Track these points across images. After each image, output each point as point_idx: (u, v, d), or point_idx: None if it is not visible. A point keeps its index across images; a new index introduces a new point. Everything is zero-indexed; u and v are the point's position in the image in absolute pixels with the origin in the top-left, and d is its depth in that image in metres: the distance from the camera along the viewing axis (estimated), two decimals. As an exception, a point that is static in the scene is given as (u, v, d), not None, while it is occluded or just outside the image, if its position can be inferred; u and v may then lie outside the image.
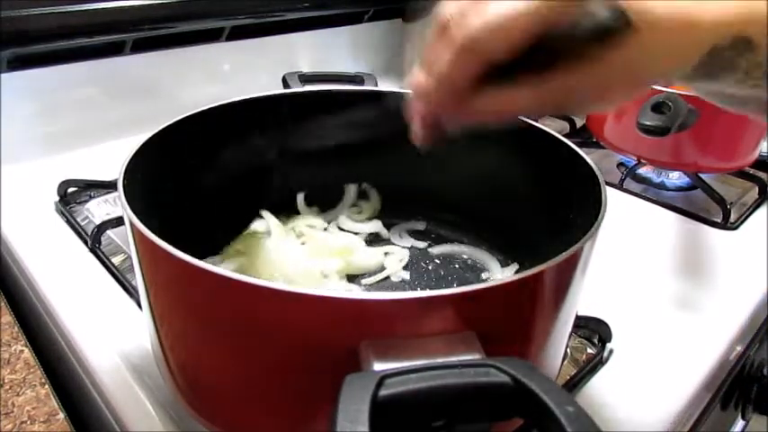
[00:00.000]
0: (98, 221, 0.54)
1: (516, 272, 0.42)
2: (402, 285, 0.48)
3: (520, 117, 0.30)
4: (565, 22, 0.25)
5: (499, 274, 0.48)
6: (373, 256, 0.50)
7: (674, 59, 0.27)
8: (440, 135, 0.32)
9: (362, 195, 0.55)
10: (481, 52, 0.26)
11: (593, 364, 0.43)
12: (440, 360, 0.24)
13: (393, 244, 0.52)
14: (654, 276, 0.54)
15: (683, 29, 0.26)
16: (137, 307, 0.46)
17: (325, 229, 0.53)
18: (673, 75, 0.29)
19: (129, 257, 0.50)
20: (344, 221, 0.53)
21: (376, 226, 0.53)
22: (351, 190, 0.54)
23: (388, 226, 0.54)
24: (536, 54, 0.26)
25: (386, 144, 0.47)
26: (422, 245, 0.52)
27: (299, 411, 0.29)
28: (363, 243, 0.51)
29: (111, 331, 0.44)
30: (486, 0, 0.26)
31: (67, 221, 0.57)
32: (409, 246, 0.52)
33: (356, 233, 0.53)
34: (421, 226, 0.54)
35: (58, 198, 0.60)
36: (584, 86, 0.27)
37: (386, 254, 0.51)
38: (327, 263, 0.47)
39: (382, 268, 0.49)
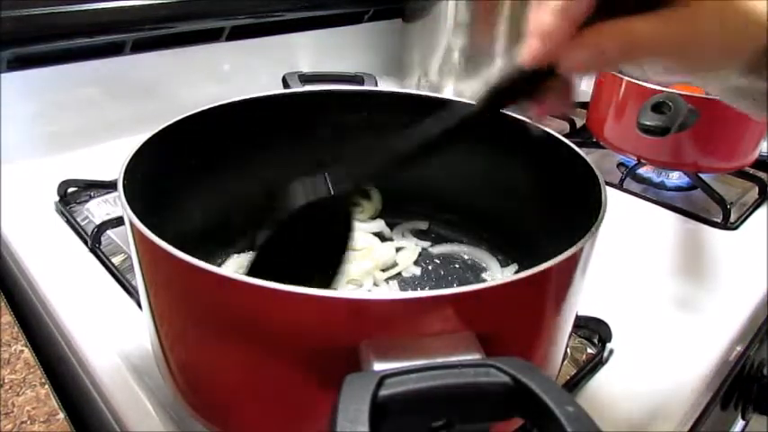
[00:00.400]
0: (98, 221, 0.54)
1: (516, 272, 0.42)
2: (412, 280, 0.49)
3: (631, 61, 0.29)
4: None
5: (499, 273, 0.49)
6: (388, 251, 0.50)
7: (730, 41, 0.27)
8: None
9: (363, 195, 0.55)
10: None
11: (593, 364, 0.43)
12: (440, 360, 0.24)
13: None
14: (654, 276, 0.54)
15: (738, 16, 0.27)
16: (137, 307, 0.46)
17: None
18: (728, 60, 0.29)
19: (129, 257, 0.50)
20: None
21: (379, 225, 0.53)
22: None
23: (390, 226, 0.54)
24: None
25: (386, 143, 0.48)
26: (425, 244, 0.52)
27: (298, 411, 0.29)
28: (378, 240, 0.52)
29: (111, 331, 0.44)
30: None
31: (67, 221, 0.57)
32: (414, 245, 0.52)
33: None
34: (423, 225, 0.54)
35: (58, 198, 0.60)
36: (702, 27, 0.27)
37: (398, 249, 0.51)
38: (361, 265, 0.48)
39: (395, 264, 0.50)
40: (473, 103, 0.32)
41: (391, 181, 0.54)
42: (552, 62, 0.28)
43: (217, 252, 0.49)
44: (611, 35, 0.27)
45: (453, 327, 0.25)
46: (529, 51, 0.29)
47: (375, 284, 0.48)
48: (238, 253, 0.50)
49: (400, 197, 0.55)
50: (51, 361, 0.45)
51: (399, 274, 0.49)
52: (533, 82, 0.30)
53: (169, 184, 0.41)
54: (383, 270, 0.49)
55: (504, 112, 0.33)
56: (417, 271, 0.50)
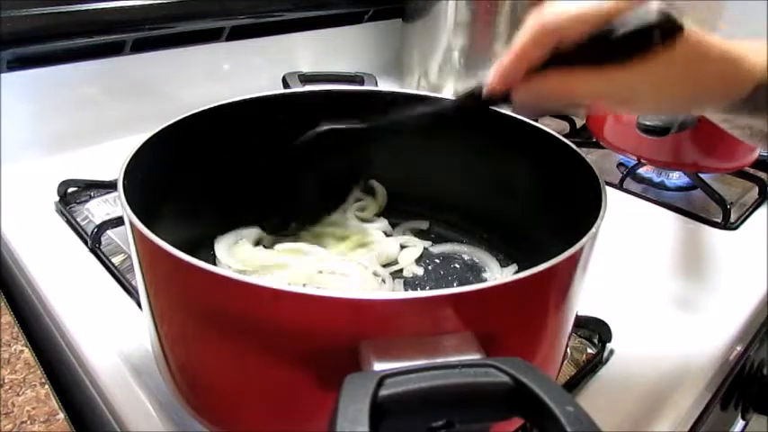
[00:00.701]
0: (98, 221, 0.54)
1: (516, 272, 0.42)
2: (413, 280, 0.49)
3: (571, 105, 0.36)
4: (624, 14, 0.31)
5: (499, 273, 0.49)
6: (393, 246, 0.51)
7: (721, 85, 0.33)
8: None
9: (368, 191, 0.56)
10: (547, 39, 0.32)
11: (593, 364, 0.43)
12: (440, 360, 0.24)
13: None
14: (654, 276, 0.54)
15: (734, 61, 0.32)
16: (137, 307, 0.46)
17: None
18: (718, 101, 0.34)
19: (129, 257, 0.50)
20: (352, 220, 0.53)
21: (382, 225, 0.53)
22: (355, 188, 0.55)
23: (391, 225, 0.54)
24: (594, 50, 0.31)
25: (385, 144, 0.48)
26: (426, 244, 0.52)
27: (298, 411, 0.29)
28: (382, 234, 0.52)
29: (111, 331, 0.44)
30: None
31: (67, 221, 0.57)
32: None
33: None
34: (424, 225, 0.54)
35: (58, 198, 0.60)
36: (643, 81, 0.32)
37: (402, 246, 0.51)
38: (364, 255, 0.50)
39: (396, 261, 0.50)
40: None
41: (391, 181, 0.55)
42: (505, 95, 0.35)
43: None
44: (552, 84, 0.33)
45: (453, 327, 0.25)
46: (488, 84, 0.35)
47: (377, 276, 0.48)
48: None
49: (400, 198, 0.55)
50: (51, 361, 0.45)
51: (401, 270, 0.49)
52: (490, 102, 0.37)
53: (169, 184, 0.41)
54: (384, 265, 0.49)
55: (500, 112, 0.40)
56: (420, 271, 0.49)
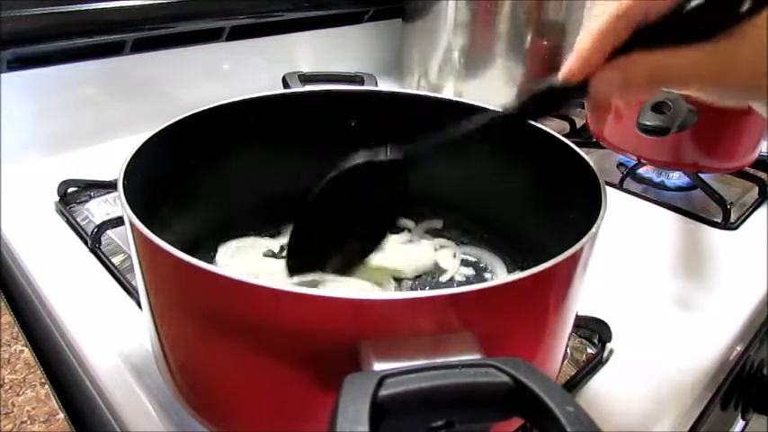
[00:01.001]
0: (98, 221, 0.54)
1: (516, 272, 0.42)
2: (466, 283, 0.49)
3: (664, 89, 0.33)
4: None
5: (501, 273, 0.49)
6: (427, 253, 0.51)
7: None
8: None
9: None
10: (632, 11, 0.29)
11: (593, 364, 0.43)
12: (440, 360, 0.24)
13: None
14: (654, 276, 0.54)
15: None
16: (137, 307, 0.46)
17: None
18: None
19: (129, 257, 0.50)
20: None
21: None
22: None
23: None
24: (681, 23, 0.29)
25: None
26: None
27: (298, 411, 0.29)
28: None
29: (111, 331, 0.44)
30: None
31: (67, 221, 0.57)
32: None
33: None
34: (438, 224, 0.54)
35: (58, 198, 0.60)
36: (737, 53, 0.28)
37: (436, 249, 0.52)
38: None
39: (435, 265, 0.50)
40: (502, 109, 0.35)
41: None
42: (584, 81, 0.31)
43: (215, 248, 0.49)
44: (639, 65, 0.30)
45: (453, 327, 0.25)
46: (566, 67, 0.32)
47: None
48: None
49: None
50: (51, 361, 0.45)
51: (452, 279, 0.49)
52: (565, 97, 0.33)
53: (169, 184, 0.41)
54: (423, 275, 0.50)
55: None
56: (470, 271, 0.50)
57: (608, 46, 0.30)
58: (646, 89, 0.32)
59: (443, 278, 0.49)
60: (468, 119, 0.35)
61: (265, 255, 0.49)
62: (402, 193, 0.39)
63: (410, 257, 0.50)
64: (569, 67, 0.31)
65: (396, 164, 0.37)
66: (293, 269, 0.42)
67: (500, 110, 0.35)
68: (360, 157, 0.38)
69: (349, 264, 0.43)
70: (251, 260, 0.48)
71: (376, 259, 0.48)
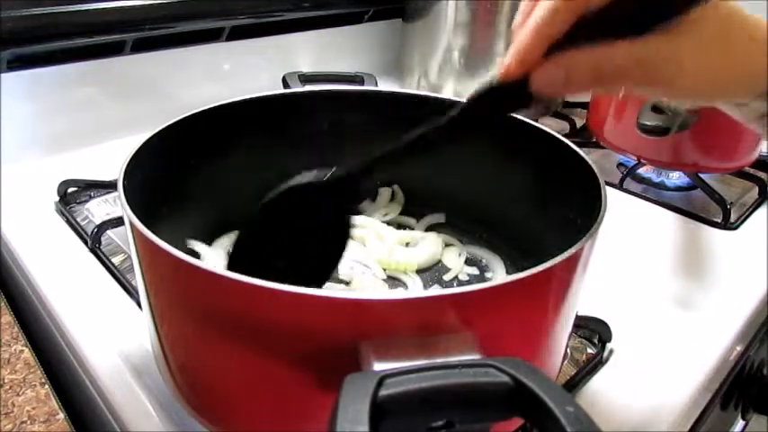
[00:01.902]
0: (98, 221, 0.54)
1: (516, 272, 0.42)
2: (469, 283, 0.48)
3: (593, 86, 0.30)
4: None
5: (501, 272, 0.49)
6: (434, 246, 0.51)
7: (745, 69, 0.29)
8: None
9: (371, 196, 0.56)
10: (573, 7, 0.27)
11: (593, 364, 0.43)
12: (440, 360, 0.24)
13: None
14: (654, 276, 0.54)
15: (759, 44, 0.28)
16: (137, 307, 0.46)
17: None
18: (743, 87, 0.30)
19: (129, 257, 0.50)
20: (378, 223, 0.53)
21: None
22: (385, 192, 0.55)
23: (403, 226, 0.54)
24: (622, 15, 0.27)
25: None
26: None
27: (298, 411, 0.29)
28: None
29: (111, 331, 0.44)
30: None
31: (67, 221, 0.57)
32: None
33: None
34: (441, 219, 0.54)
35: (58, 198, 0.60)
36: (676, 52, 0.27)
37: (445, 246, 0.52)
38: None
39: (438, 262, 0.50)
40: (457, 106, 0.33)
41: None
42: (524, 78, 0.29)
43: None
44: (582, 61, 0.28)
45: (453, 327, 0.25)
46: (503, 66, 0.30)
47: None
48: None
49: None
50: (51, 361, 0.45)
51: (456, 277, 0.49)
52: (508, 96, 0.31)
53: (169, 184, 0.41)
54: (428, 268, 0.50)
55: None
56: (474, 270, 0.50)
57: (546, 40, 0.28)
58: (589, 86, 0.30)
59: (447, 276, 0.49)
60: (419, 124, 0.33)
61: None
62: (349, 210, 0.37)
63: (416, 251, 0.50)
64: (506, 63, 0.29)
65: (337, 183, 0.35)
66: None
67: (435, 120, 0.33)
68: (298, 179, 0.35)
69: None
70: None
71: (381, 256, 0.49)
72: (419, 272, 0.49)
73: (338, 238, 0.37)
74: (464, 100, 0.32)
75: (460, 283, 0.49)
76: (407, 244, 0.52)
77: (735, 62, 0.29)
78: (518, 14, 0.30)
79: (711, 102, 0.32)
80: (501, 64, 0.30)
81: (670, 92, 0.30)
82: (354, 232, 0.51)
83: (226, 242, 0.48)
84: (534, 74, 0.29)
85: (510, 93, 0.30)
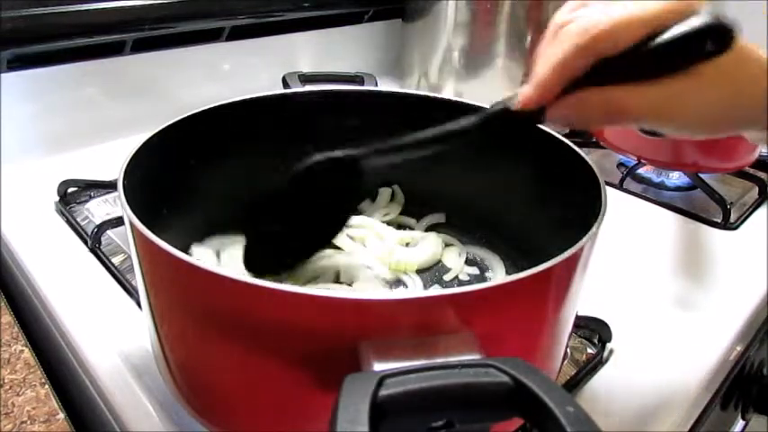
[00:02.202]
0: (98, 221, 0.54)
1: (516, 271, 0.42)
2: (469, 283, 0.48)
3: (619, 122, 0.32)
4: (673, 19, 0.28)
5: (501, 272, 0.49)
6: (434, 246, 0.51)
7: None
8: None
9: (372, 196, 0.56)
10: (598, 45, 0.29)
11: (594, 364, 0.43)
12: (440, 360, 0.24)
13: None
14: (654, 276, 0.54)
15: None
16: (137, 307, 0.46)
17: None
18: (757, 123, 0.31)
19: (129, 257, 0.50)
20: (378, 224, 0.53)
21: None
22: (385, 192, 0.55)
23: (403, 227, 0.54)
24: (639, 60, 0.29)
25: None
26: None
27: (298, 411, 0.29)
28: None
29: (111, 331, 0.44)
30: (603, 1, 0.30)
31: (67, 221, 0.57)
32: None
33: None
34: (441, 218, 0.54)
35: (58, 198, 0.60)
36: (693, 93, 0.29)
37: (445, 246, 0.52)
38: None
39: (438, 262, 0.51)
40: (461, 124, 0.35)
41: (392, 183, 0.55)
42: (539, 110, 0.31)
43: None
44: (595, 102, 0.30)
45: (453, 327, 0.25)
46: (522, 96, 0.32)
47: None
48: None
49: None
50: (51, 361, 0.45)
51: (456, 277, 0.49)
52: (522, 120, 0.33)
53: (169, 184, 0.41)
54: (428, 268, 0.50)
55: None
56: (474, 270, 0.50)
57: (566, 77, 0.30)
58: (599, 124, 0.33)
59: (447, 277, 0.49)
60: (433, 126, 0.35)
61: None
62: (356, 191, 0.41)
63: (416, 251, 0.50)
64: (526, 93, 0.31)
65: (350, 161, 0.38)
66: (253, 269, 0.42)
67: (453, 126, 0.35)
68: (316, 157, 0.39)
69: (303, 258, 0.45)
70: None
71: (381, 256, 0.49)
72: (419, 272, 0.49)
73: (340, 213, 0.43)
74: (478, 116, 0.34)
75: (460, 283, 0.48)
76: (407, 244, 0.52)
77: (742, 102, 0.30)
78: (550, 26, 0.32)
79: (715, 136, 0.33)
80: (521, 92, 0.32)
81: (678, 129, 0.32)
82: (354, 233, 0.51)
83: (216, 242, 0.48)
84: (551, 109, 0.31)
85: (525, 118, 0.32)
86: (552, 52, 0.30)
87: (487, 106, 0.35)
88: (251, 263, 0.42)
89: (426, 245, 0.51)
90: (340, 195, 0.41)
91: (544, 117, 0.32)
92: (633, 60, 0.29)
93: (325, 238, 0.44)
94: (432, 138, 0.35)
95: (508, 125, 0.33)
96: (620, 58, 0.29)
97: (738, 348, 0.49)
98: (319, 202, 0.41)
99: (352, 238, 0.51)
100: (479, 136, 0.34)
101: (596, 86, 0.30)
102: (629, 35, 0.28)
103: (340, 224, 0.44)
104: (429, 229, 0.53)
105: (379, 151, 0.37)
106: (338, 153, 0.38)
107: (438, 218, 0.54)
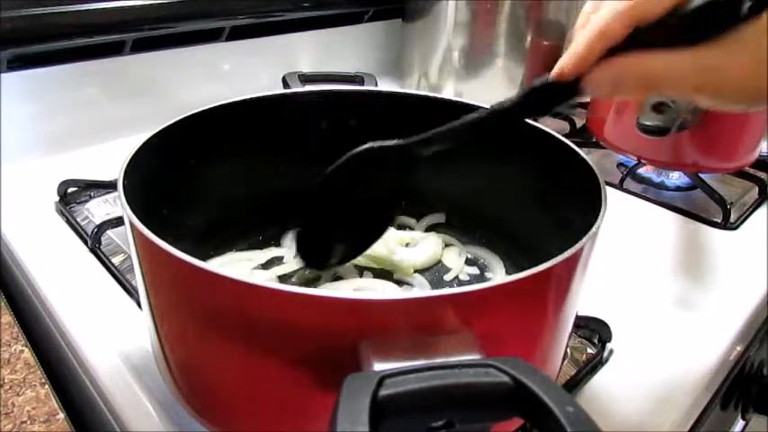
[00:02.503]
0: (98, 221, 0.54)
1: (516, 272, 0.42)
2: (469, 283, 0.48)
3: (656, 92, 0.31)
4: None
5: (501, 273, 0.49)
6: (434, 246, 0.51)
7: None
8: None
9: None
10: (637, 9, 0.28)
11: (593, 364, 0.43)
12: (440, 360, 0.24)
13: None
14: (654, 276, 0.54)
15: None
16: (137, 307, 0.46)
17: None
18: None
19: (129, 257, 0.50)
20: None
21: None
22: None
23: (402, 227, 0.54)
24: (677, 27, 0.28)
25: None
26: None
27: (298, 411, 0.29)
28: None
29: (111, 331, 0.44)
30: None
31: (67, 221, 0.57)
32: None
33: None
34: (441, 218, 0.54)
35: (58, 198, 0.60)
36: (731, 61, 0.28)
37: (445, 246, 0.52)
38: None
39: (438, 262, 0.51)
40: (497, 106, 0.35)
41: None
42: (576, 79, 0.31)
43: (217, 252, 0.49)
44: (631, 68, 0.29)
45: (453, 327, 0.25)
46: (559, 65, 0.31)
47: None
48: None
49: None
50: (51, 361, 0.45)
51: (456, 277, 0.49)
52: (558, 94, 0.32)
53: (169, 184, 0.41)
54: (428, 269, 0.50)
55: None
56: (474, 270, 0.50)
57: (603, 46, 0.29)
58: (637, 92, 0.31)
59: (448, 277, 0.49)
60: (466, 115, 0.35)
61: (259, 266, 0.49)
62: (402, 183, 0.41)
63: (416, 251, 0.50)
64: (561, 64, 0.31)
65: (397, 150, 0.38)
66: (307, 262, 0.44)
67: (494, 106, 0.35)
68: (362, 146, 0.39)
69: (353, 253, 0.45)
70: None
71: (381, 256, 0.49)
72: (419, 272, 0.49)
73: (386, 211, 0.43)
74: (520, 93, 0.34)
75: (461, 283, 0.48)
76: (407, 244, 0.52)
77: None
78: (581, 16, 0.32)
79: (755, 106, 0.32)
80: (557, 65, 0.31)
81: (715, 98, 0.30)
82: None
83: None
84: (587, 76, 0.30)
85: (560, 92, 0.32)
86: (589, 27, 0.30)
87: (487, 106, 0.35)
88: (306, 255, 0.43)
89: (426, 245, 0.51)
90: (387, 188, 0.41)
91: (580, 88, 0.31)
92: (670, 27, 0.28)
93: (374, 234, 0.44)
94: (479, 120, 0.35)
95: (542, 101, 0.33)
96: (655, 26, 0.28)
97: (738, 348, 0.49)
98: (367, 196, 0.42)
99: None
100: (518, 116, 0.34)
101: (632, 53, 0.29)
102: (662, 4, 0.28)
103: (387, 221, 0.44)
104: (429, 229, 0.53)
105: (425, 141, 0.38)
106: (390, 142, 0.38)
107: (438, 218, 0.54)
